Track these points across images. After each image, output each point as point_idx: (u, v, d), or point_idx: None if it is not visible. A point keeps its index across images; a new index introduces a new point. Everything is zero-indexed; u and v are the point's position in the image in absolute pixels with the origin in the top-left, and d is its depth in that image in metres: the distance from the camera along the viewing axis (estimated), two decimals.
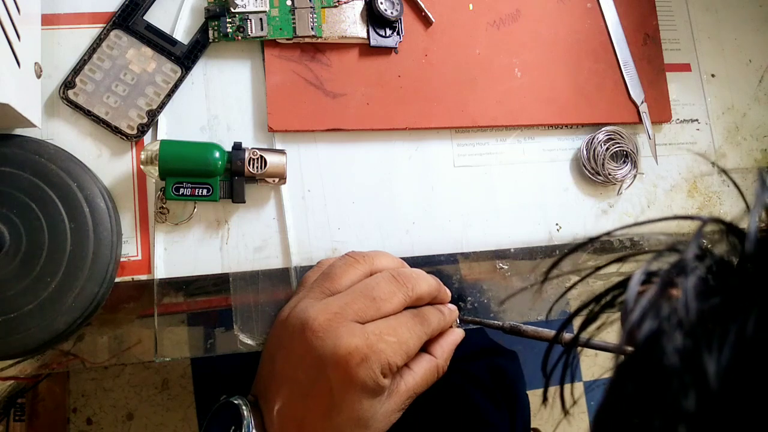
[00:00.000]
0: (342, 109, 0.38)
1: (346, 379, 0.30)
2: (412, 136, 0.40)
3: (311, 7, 0.38)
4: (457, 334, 0.36)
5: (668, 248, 0.19)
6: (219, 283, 0.37)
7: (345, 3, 0.38)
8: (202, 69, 0.38)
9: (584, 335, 0.22)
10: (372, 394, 0.31)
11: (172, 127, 0.37)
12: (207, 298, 0.37)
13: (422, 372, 0.33)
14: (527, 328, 0.35)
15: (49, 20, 0.36)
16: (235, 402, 0.33)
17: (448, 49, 0.40)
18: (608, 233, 0.23)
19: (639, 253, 0.43)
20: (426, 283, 0.34)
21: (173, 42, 0.37)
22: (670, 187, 0.44)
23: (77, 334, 0.35)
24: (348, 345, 0.30)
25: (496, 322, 0.36)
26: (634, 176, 0.43)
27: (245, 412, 0.32)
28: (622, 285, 0.22)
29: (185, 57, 0.37)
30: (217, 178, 0.35)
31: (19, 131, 0.34)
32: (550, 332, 0.34)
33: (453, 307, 0.37)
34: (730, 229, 0.19)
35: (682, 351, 0.15)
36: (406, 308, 0.34)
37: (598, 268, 0.23)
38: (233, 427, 0.32)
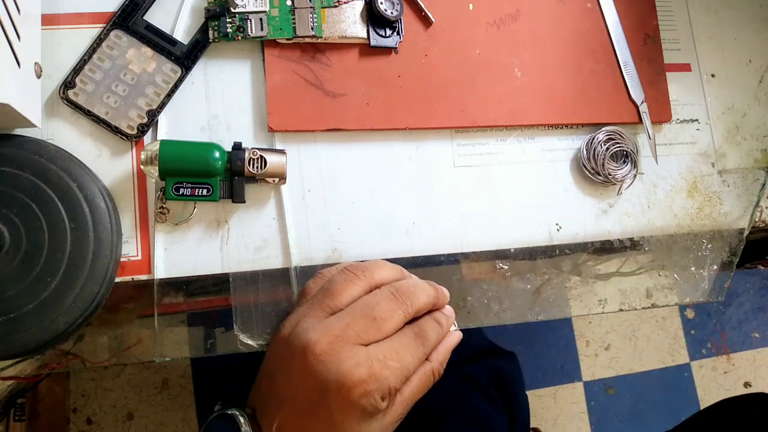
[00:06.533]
0: (342, 109, 0.38)
1: (348, 406, 0.30)
2: (412, 136, 0.40)
3: (311, 7, 0.38)
4: (454, 337, 0.36)
5: None
6: (219, 283, 0.37)
7: (345, 3, 0.38)
8: (202, 69, 0.38)
9: None
10: (370, 416, 0.31)
11: (172, 127, 0.37)
12: (207, 298, 0.37)
13: (417, 380, 0.33)
14: None
15: (49, 20, 0.36)
16: (233, 414, 0.33)
17: (448, 49, 0.40)
18: None
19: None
20: (424, 294, 0.34)
21: (173, 42, 0.37)
22: (670, 187, 0.44)
23: (77, 334, 0.35)
24: (351, 373, 0.30)
25: None
26: (634, 176, 0.43)
27: (244, 425, 0.32)
28: None
29: (185, 57, 0.37)
30: (217, 178, 0.35)
31: (19, 131, 0.34)
32: None
33: (450, 311, 0.37)
34: None
35: None
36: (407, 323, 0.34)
37: None
38: None
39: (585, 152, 0.42)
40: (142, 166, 0.34)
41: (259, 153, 0.35)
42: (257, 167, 0.35)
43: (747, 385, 1.39)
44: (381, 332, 0.32)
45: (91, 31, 0.36)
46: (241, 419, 0.32)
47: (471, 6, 0.41)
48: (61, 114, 0.36)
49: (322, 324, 0.32)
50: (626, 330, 1.39)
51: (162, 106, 0.36)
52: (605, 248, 0.43)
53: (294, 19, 0.37)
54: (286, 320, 0.35)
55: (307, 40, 0.38)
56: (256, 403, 0.34)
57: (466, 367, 0.59)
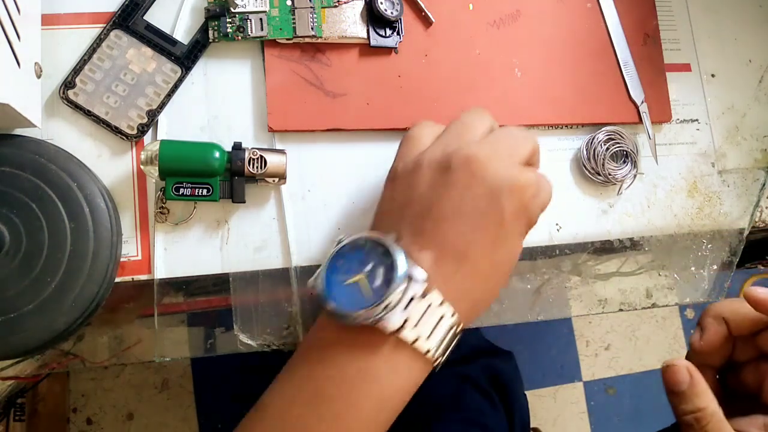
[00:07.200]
0: (342, 109, 0.38)
1: (520, 208, 0.30)
2: None
3: (311, 7, 0.38)
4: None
5: None
6: (219, 283, 0.37)
7: (345, 3, 0.38)
8: (202, 69, 0.38)
9: None
10: (527, 229, 0.32)
11: (172, 127, 0.37)
12: (207, 298, 0.37)
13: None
14: None
15: (49, 20, 0.36)
16: (380, 239, 0.30)
17: (448, 49, 0.40)
18: None
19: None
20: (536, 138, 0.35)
21: (173, 42, 0.37)
22: (670, 187, 0.44)
23: (77, 334, 0.35)
24: (520, 174, 0.30)
25: None
26: (634, 176, 0.43)
27: (392, 245, 0.29)
28: None
29: (185, 57, 0.37)
30: (217, 178, 0.35)
31: (19, 131, 0.34)
32: None
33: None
34: None
35: None
36: None
37: None
38: (372, 264, 0.29)
39: (585, 152, 0.42)
40: (142, 166, 0.34)
41: (259, 153, 0.35)
42: (257, 167, 0.35)
43: None
44: (522, 156, 0.32)
45: (91, 31, 0.36)
46: (394, 245, 0.29)
47: (471, 6, 0.41)
48: (61, 114, 0.36)
49: (474, 143, 0.31)
50: (626, 330, 1.39)
51: (162, 106, 0.36)
52: (605, 248, 0.43)
53: (294, 19, 0.37)
54: (420, 155, 0.32)
55: (307, 40, 0.38)
56: (396, 232, 0.31)
57: (464, 367, 0.59)
